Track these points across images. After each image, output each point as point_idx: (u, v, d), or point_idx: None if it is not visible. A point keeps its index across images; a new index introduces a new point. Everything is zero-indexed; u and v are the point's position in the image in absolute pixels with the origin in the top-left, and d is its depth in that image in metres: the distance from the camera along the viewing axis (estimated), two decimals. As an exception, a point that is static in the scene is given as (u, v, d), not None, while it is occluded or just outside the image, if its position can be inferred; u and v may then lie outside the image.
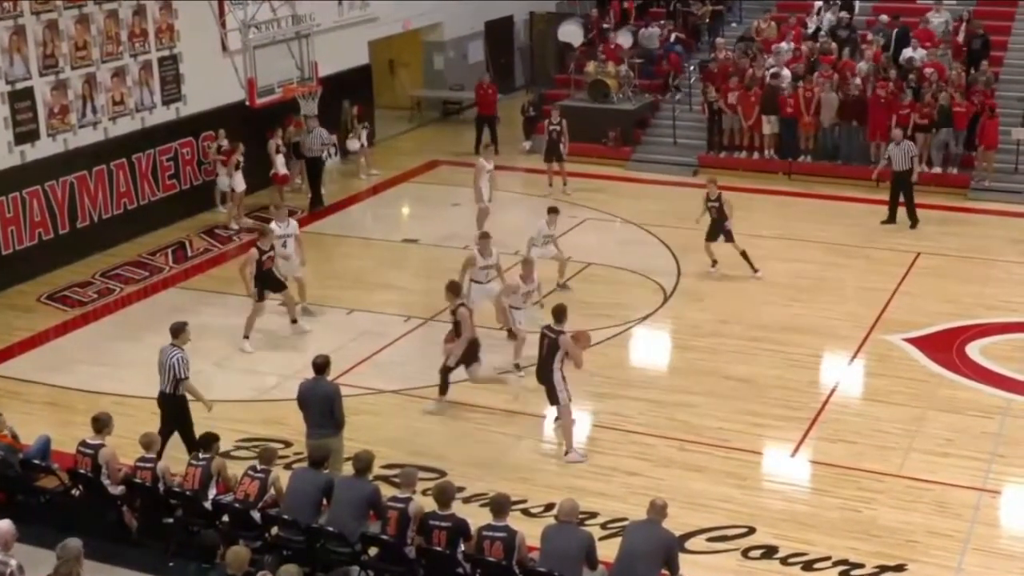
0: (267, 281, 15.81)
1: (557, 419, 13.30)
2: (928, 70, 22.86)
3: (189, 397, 12.47)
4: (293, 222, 16.95)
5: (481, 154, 21.00)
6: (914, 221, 20.11)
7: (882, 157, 20.69)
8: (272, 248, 15.87)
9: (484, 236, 16.10)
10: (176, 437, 12.40)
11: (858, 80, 22.84)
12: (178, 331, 12.52)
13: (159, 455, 11.36)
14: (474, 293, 15.38)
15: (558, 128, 22.17)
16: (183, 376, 12.24)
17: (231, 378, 15.08)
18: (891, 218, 20.29)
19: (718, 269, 18.11)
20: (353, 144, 24.00)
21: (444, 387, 14.03)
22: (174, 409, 12.37)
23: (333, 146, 23.71)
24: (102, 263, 19.14)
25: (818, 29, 25.61)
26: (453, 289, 14.02)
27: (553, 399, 13.04)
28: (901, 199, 20.16)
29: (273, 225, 16.47)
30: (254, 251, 15.78)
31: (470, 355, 13.78)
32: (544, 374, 13.04)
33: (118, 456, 11.30)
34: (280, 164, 21.56)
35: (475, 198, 19.48)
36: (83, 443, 11.32)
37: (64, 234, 18.94)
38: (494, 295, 15.55)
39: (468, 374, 13.94)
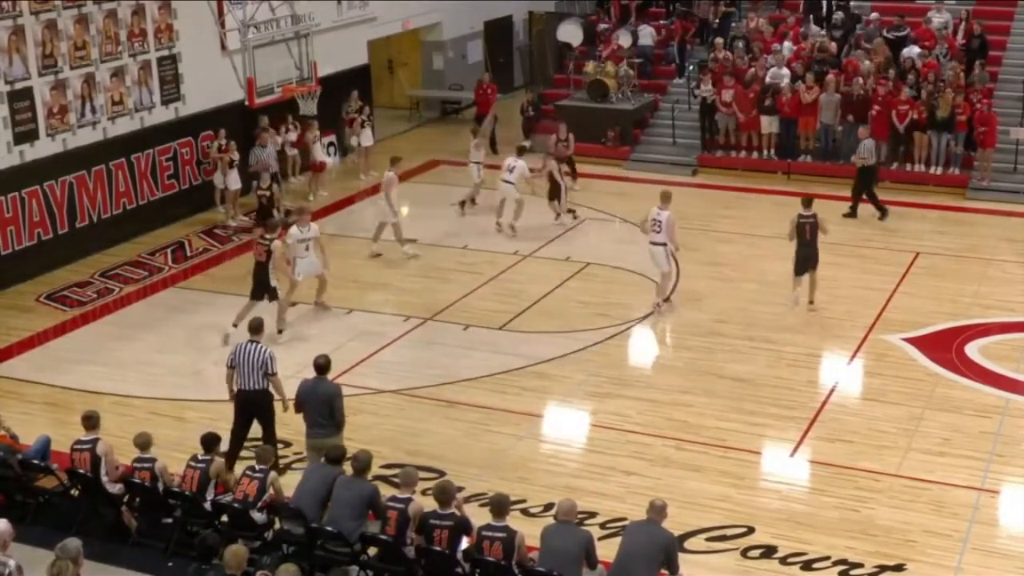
0: (263, 279, 15.73)
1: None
2: (926, 69, 22.88)
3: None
4: (314, 226, 16.70)
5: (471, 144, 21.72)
6: (882, 212, 20.54)
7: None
8: (272, 239, 15.81)
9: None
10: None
11: (860, 79, 22.83)
12: (258, 327, 12.54)
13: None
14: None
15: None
16: (274, 371, 12.18)
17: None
18: (853, 212, 20.68)
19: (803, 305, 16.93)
20: (365, 139, 23.85)
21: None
22: (265, 405, 12.26)
23: (332, 145, 23.67)
24: (101, 263, 19.12)
25: (811, 16, 25.68)
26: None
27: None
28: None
29: (294, 230, 16.34)
30: (278, 243, 15.81)
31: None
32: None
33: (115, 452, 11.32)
34: (319, 152, 22.39)
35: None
36: (78, 441, 11.30)
37: (63, 234, 18.92)
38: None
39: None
